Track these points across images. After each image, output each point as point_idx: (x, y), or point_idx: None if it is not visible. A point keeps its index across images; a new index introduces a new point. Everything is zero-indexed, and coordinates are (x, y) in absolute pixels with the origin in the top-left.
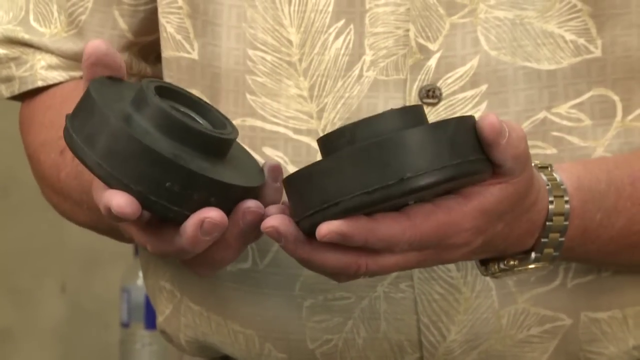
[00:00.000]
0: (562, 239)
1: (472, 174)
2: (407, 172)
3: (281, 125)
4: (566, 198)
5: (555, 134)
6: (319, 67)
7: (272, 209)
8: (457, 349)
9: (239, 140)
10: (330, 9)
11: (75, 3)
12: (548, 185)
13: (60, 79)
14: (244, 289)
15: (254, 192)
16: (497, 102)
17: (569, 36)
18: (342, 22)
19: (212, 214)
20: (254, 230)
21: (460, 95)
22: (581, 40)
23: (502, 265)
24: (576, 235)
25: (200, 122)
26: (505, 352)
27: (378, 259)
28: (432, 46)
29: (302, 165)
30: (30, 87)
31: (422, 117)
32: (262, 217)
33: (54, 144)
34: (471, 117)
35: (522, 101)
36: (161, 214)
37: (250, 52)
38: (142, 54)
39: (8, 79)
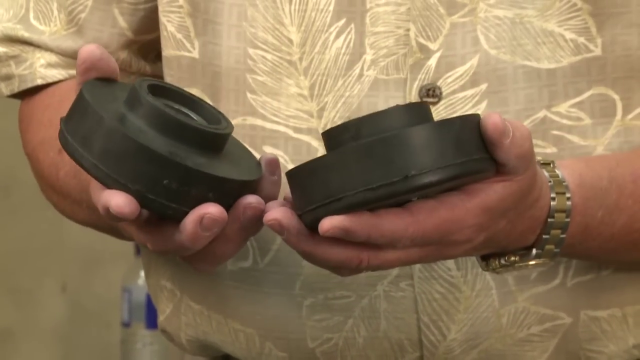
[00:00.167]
0: (564, 235)
1: (476, 173)
2: (412, 169)
3: (281, 124)
4: (568, 195)
5: (555, 132)
6: (319, 66)
7: (273, 204)
8: (457, 347)
9: (239, 139)
10: (331, 8)
11: (75, 1)
12: (550, 181)
13: (59, 77)
14: (245, 287)
15: (251, 186)
16: (497, 101)
17: (569, 35)
18: (342, 21)
19: (211, 209)
20: (254, 225)
21: (460, 95)
22: (581, 39)
23: (503, 261)
24: (577, 232)
25: (195, 118)
26: (505, 351)
27: (380, 254)
28: (432, 45)
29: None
30: (29, 85)
31: (427, 114)
32: (263, 212)
33: (53, 143)
34: (476, 116)
35: (522, 100)
36: (160, 212)
37: (251, 51)
38: (141, 53)
39: (8, 77)
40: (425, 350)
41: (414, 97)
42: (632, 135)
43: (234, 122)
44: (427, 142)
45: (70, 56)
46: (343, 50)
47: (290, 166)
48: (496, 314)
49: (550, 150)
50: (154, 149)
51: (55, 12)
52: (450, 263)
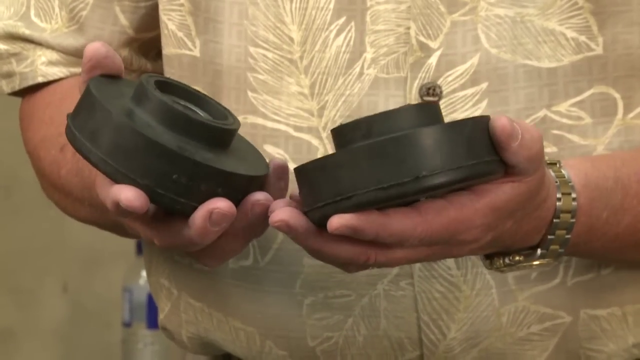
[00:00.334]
0: (569, 236)
1: (486, 175)
2: (423, 170)
3: (282, 123)
4: (574, 195)
5: (555, 132)
6: (319, 64)
7: (279, 203)
8: (457, 346)
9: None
10: (332, 6)
11: None
12: (556, 181)
13: (60, 74)
14: (245, 286)
15: (259, 182)
16: (497, 100)
17: (570, 34)
18: (343, 19)
19: (220, 204)
20: (262, 222)
21: (461, 93)
22: (582, 38)
23: (507, 261)
24: (582, 232)
25: (201, 114)
26: (505, 350)
27: (387, 252)
28: (432, 44)
29: (302, 163)
30: (30, 82)
31: (438, 114)
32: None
33: (54, 141)
34: (487, 117)
35: (522, 99)
36: (169, 207)
37: (252, 49)
38: (142, 50)
39: (9, 75)
40: (425, 349)
41: (414, 95)
42: (633, 134)
43: None
44: (439, 143)
45: (71, 54)
46: (343, 49)
47: (291, 165)
48: (496, 313)
49: (550, 149)
50: (163, 143)
51: (57, 10)
52: (450, 262)
